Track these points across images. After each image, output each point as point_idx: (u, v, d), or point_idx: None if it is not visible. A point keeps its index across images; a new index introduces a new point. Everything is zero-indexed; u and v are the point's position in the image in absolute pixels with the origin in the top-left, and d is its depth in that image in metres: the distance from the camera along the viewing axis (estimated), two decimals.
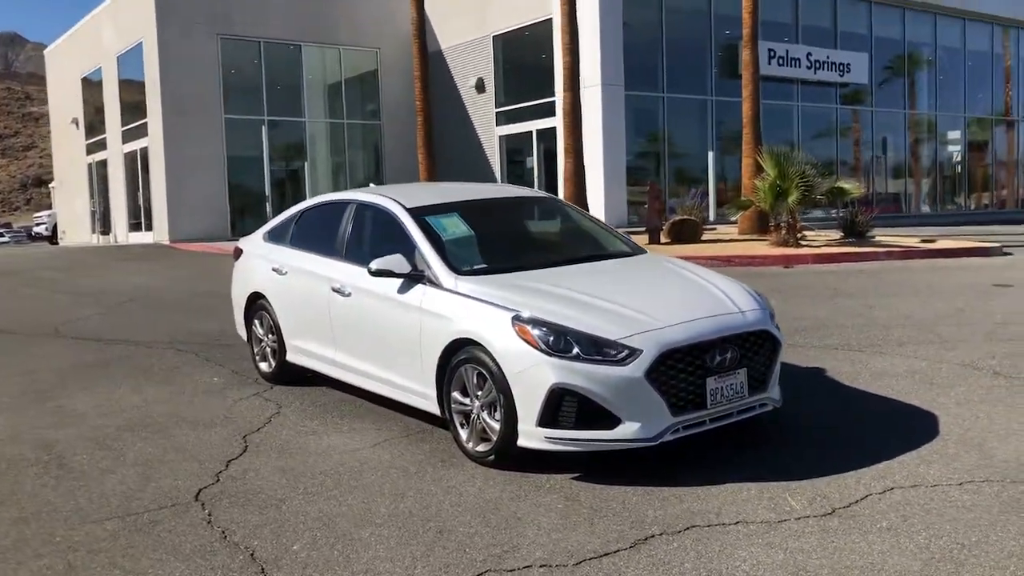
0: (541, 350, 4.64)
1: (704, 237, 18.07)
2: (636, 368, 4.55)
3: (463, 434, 5.10)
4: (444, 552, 3.85)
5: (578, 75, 18.27)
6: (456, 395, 5.12)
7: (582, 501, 4.39)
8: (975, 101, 32.24)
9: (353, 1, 27.20)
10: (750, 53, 19.56)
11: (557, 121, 21.95)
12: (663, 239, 17.18)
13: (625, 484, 4.56)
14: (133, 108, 27.00)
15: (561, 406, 4.61)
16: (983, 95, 32.50)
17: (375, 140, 28.32)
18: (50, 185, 54.01)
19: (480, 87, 25.75)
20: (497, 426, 4.84)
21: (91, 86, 30.89)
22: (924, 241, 17.14)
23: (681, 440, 4.75)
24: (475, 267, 5.52)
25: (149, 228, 26.15)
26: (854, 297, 10.80)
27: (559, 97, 19.88)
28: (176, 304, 12.28)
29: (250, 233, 7.98)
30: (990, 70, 32.60)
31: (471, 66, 26.11)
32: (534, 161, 24.65)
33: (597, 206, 20.71)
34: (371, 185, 8.53)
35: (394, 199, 6.13)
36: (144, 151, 25.94)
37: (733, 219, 22.04)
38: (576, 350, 4.61)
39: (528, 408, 4.67)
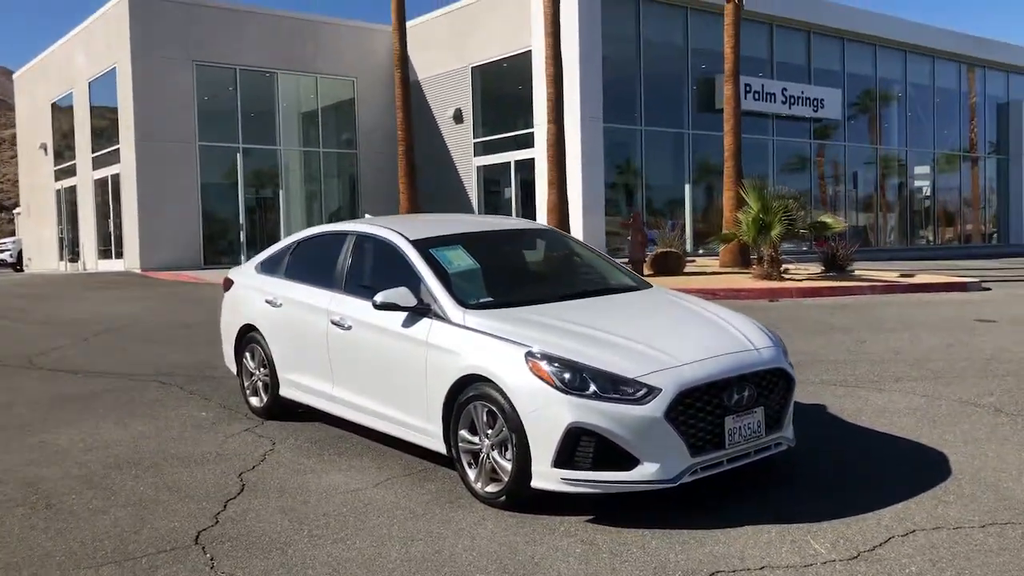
0: (556, 387, 4.51)
1: (686, 269, 18.11)
2: (655, 407, 4.43)
3: (471, 474, 4.94)
4: None
5: (562, 107, 18.28)
6: (464, 433, 4.97)
7: (600, 545, 4.25)
8: (943, 137, 32.88)
9: (330, 30, 27.15)
10: (732, 88, 19.75)
11: (537, 152, 21.99)
12: (646, 271, 17.16)
13: (642, 526, 4.43)
14: (104, 134, 26.63)
15: (578, 446, 4.47)
16: (950, 132, 33.15)
17: (351, 169, 28.15)
18: (14, 211, 53.01)
19: (458, 118, 25.75)
20: (508, 466, 4.68)
21: (61, 112, 30.43)
22: (903, 275, 17.30)
23: (697, 479, 4.64)
24: (482, 300, 5.38)
25: (119, 256, 25.68)
26: (845, 332, 10.81)
27: (543, 128, 19.87)
28: (154, 334, 11.94)
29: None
30: (957, 107, 33.29)
31: (449, 96, 26.12)
32: (512, 192, 24.64)
33: (576, 237, 20.63)
34: (367, 216, 8.37)
35: (396, 231, 5.98)
36: (116, 177, 25.53)
37: (712, 252, 22.13)
38: (593, 388, 4.48)
39: (543, 448, 4.52)
